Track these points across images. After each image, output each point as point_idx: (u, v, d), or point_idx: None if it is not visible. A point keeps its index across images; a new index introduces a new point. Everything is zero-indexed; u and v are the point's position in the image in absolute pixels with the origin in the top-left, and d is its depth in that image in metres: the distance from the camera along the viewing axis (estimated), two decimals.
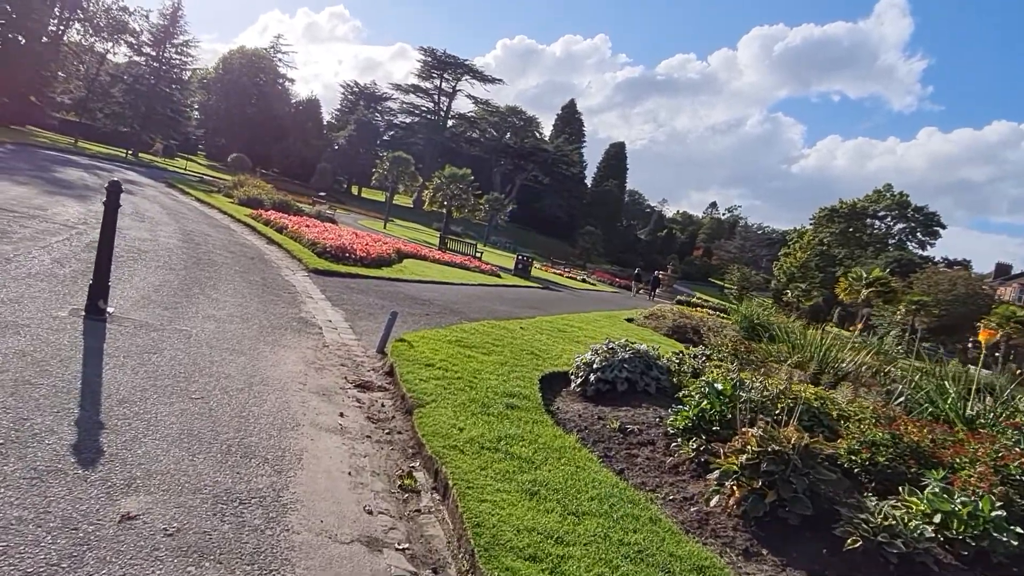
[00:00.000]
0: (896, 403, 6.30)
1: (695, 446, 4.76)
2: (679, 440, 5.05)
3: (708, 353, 9.56)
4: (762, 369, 7.26)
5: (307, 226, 18.46)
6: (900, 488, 3.92)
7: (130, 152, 50.75)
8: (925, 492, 3.77)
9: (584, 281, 42.96)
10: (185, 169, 50.37)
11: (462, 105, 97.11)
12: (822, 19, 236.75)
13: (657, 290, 51.10)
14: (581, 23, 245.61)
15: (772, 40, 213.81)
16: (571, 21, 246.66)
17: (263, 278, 10.41)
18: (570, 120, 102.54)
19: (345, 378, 6.05)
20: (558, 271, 45.49)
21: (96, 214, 12.73)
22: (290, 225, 17.78)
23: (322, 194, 50.55)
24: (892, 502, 3.80)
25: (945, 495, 3.66)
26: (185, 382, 4.65)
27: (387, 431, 4.89)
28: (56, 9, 51.51)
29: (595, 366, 6.79)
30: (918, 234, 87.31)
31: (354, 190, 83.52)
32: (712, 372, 6.15)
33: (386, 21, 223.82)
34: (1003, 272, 69.67)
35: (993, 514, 3.41)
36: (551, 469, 4.25)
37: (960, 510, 3.47)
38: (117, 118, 55.06)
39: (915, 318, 50.36)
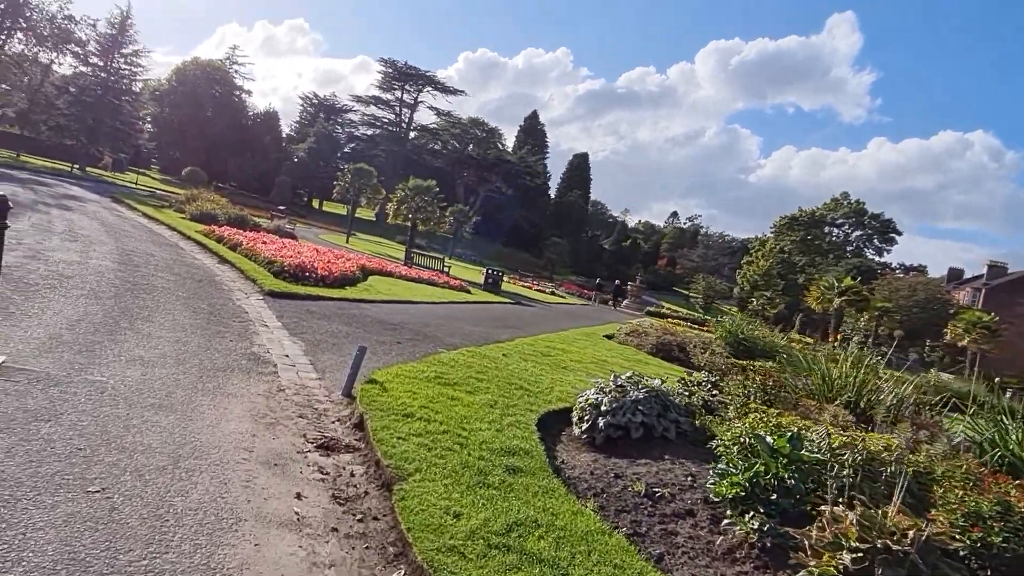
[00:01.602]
0: (954, 445, 5.42)
1: (757, 525, 3.74)
2: (729, 513, 4.03)
3: (714, 380, 8.63)
4: (799, 408, 6.30)
5: (264, 243, 17.10)
6: None
7: (77, 166, 48.27)
8: None
9: (553, 294, 42.10)
10: (136, 183, 48.05)
11: (424, 117, 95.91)
12: (776, 34, 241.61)
13: (625, 301, 50.64)
14: (543, 37, 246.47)
15: (729, 54, 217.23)
16: (533, 35, 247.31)
17: (210, 305, 9.14)
18: (532, 131, 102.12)
19: (304, 436, 4.89)
20: (526, 284, 44.56)
21: (19, 233, 11.29)
22: (245, 242, 16.41)
23: (281, 208, 48.77)
24: None
25: None
26: (84, 465, 3.45)
27: (359, 517, 3.75)
28: None
29: (603, 408, 5.75)
30: (875, 241, 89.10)
31: (315, 204, 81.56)
32: (749, 417, 5.16)
33: (347, 34, 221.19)
34: (955, 276, 71.55)
35: None
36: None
37: None
38: (62, 131, 52.39)
39: (879, 325, 50.88)
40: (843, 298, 31.71)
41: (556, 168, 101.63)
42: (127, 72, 55.27)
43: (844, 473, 4.00)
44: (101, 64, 53.09)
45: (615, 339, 17.27)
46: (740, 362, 15.34)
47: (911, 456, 4.74)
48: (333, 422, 5.42)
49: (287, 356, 7.34)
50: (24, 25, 51.18)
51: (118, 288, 8.51)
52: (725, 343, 16.49)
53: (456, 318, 14.47)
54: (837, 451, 4.21)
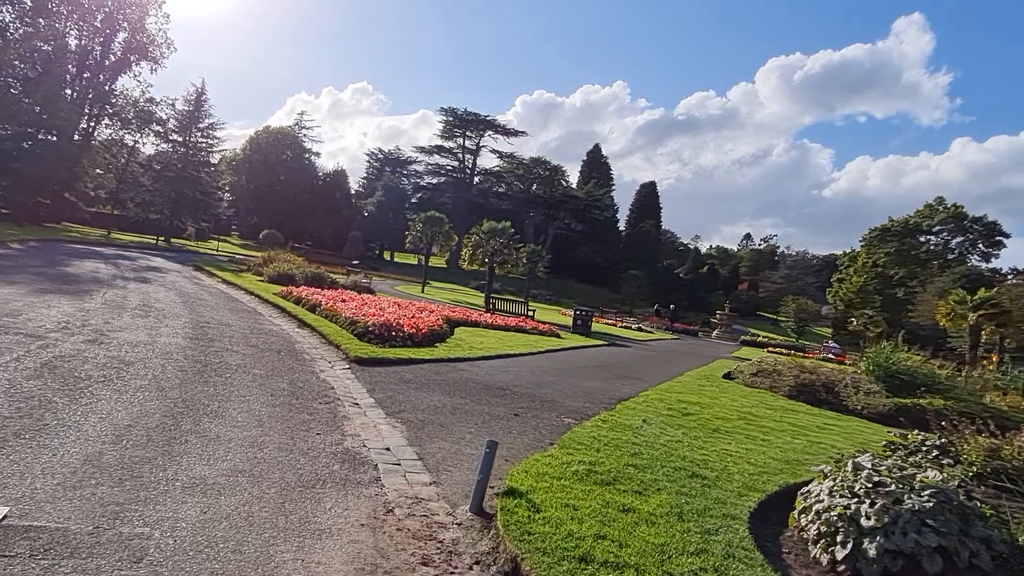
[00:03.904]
0: None
1: None
2: None
3: (941, 444, 6.49)
4: None
5: (343, 301, 15.96)
6: None
7: (161, 238, 49.95)
8: None
9: (640, 329, 39.74)
10: (217, 250, 49.35)
11: (487, 161, 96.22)
12: (839, 44, 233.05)
13: (715, 331, 47.67)
14: (598, 73, 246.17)
15: (790, 69, 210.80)
16: (588, 72, 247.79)
17: (291, 383, 7.72)
18: (596, 165, 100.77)
19: None
20: (610, 321, 42.34)
21: (88, 313, 10.38)
22: (324, 302, 15.29)
23: (355, 262, 48.92)
24: None
25: None
26: None
27: None
28: (86, 107, 51.93)
29: (867, 523, 3.81)
30: (979, 246, 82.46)
31: (386, 255, 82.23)
32: None
33: (408, 91, 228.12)
34: None
35: None
36: None
37: None
38: (148, 206, 54.58)
39: (1004, 337, 45.54)
40: (979, 313, 27.99)
41: (621, 200, 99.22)
42: (204, 145, 57.32)
43: None
44: (180, 140, 55.27)
45: (739, 380, 15.06)
46: (903, 400, 12.87)
47: None
48: (471, 566, 3.71)
49: (387, 449, 5.75)
50: (110, 111, 54.18)
51: (186, 372, 7.19)
52: (875, 378, 13.99)
53: (563, 371, 12.70)
54: None
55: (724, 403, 10.98)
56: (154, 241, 47.22)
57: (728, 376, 15.90)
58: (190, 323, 11.07)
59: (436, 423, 6.82)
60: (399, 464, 5.41)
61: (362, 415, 6.82)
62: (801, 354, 36.96)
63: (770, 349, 38.32)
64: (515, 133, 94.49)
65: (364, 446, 5.71)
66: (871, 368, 14.43)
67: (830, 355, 38.12)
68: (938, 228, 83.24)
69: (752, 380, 14.65)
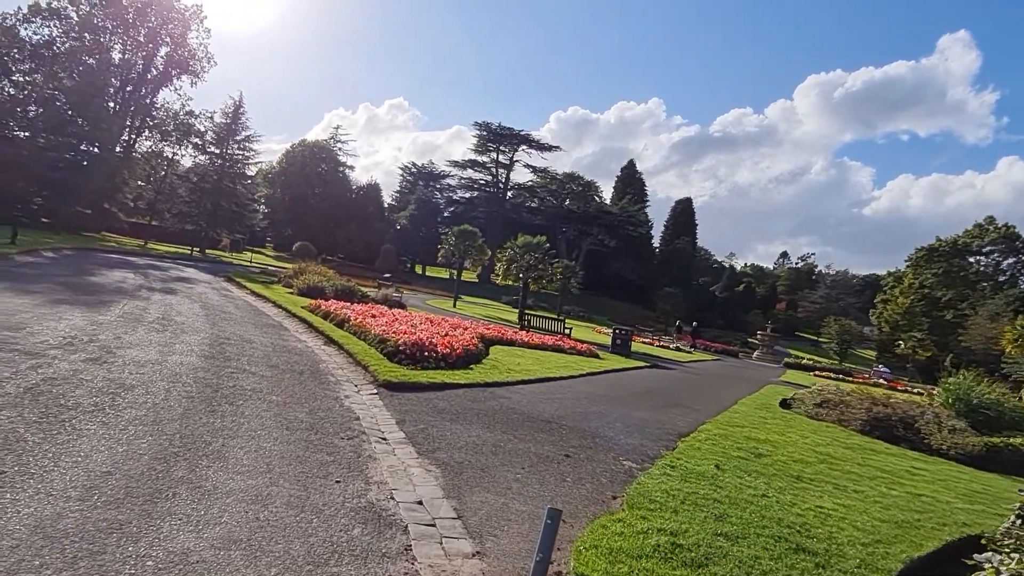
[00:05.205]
0: None
1: None
2: None
3: None
4: None
5: (373, 316, 15.12)
6: None
7: (196, 249, 50.15)
8: None
9: (679, 349, 38.22)
10: (251, 261, 49.36)
11: (520, 176, 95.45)
12: (881, 61, 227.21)
13: (756, 352, 45.80)
14: (633, 90, 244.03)
15: (831, 87, 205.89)
16: (623, 89, 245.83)
17: (311, 412, 6.79)
18: (631, 181, 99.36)
19: None
20: (647, 340, 40.90)
21: (99, 326, 9.64)
22: (353, 317, 14.45)
23: (387, 276, 48.34)
24: None
25: None
26: None
27: None
28: (128, 120, 52.77)
29: None
30: None
31: (418, 269, 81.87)
32: None
33: (443, 108, 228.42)
34: None
35: None
36: None
37: None
38: (184, 217, 54.99)
39: None
40: None
41: (655, 217, 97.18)
42: (241, 157, 57.55)
43: None
44: (217, 152, 55.63)
45: (800, 411, 13.75)
46: (993, 440, 11.43)
47: None
48: None
49: (420, 503, 4.75)
50: (151, 124, 55.02)
51: (192, 399, 6.31)
52: (955, 412, 12.57)
53: (609, 398, 11.58)
54: None
55: (795, 440, 9.76)
56: (189, 252, 47.36)
57: (785, 405, 14.61)
58: (209, 339, 10.27)
59: (476, 466, 5.80)
60: (434, 525, 4.40)
61: (391, 454, 5.85)
62: (849, 378, 35.11)
63: (817, 373, 36.54)
64: (549, 148, 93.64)
65: (392, 498, 4.73)
66: (951, 401, 12.99)
67: (881, 380, 36.12)
68: (988, 249, 79.80)
69: (816, 411, 13.32)
